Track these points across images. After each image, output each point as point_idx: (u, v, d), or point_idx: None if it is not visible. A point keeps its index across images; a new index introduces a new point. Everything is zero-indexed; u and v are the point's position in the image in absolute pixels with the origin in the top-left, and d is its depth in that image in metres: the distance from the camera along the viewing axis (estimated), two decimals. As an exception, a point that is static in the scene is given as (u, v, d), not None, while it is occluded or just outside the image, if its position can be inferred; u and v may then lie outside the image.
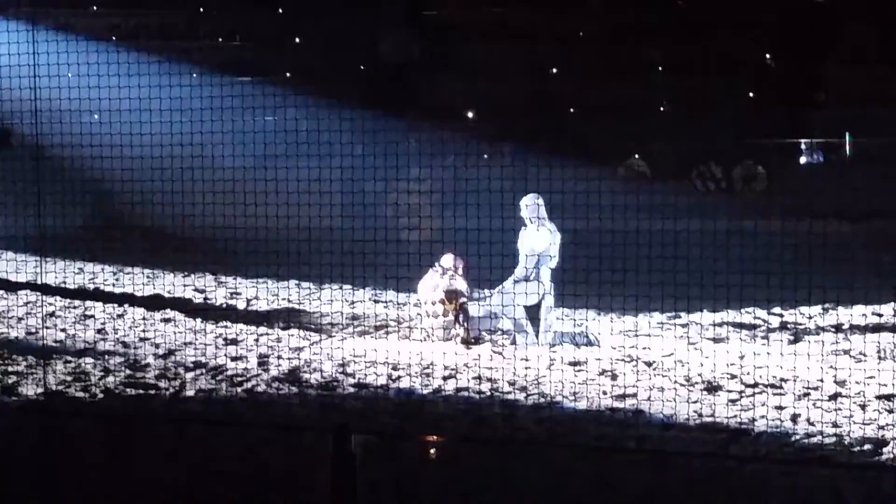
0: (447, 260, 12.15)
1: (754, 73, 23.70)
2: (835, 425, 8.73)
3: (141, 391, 10.07)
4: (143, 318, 12.98)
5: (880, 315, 12.46)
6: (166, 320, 12.97)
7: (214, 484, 7.54)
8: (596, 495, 7.19)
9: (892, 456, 8.04)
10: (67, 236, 15.04)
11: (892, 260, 11.92)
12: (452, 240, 10.73)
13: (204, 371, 10.70)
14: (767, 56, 23.87)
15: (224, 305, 14.28)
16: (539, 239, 11.80)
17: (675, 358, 10.94)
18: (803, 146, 22.50)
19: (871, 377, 10.02)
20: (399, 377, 10.46)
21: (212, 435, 8.47)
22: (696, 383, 10.10)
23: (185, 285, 14.90)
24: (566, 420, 8.99)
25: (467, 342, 11.81)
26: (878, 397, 9.41)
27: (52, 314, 13.39)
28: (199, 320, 12.90)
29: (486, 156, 11.97)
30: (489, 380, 10.34)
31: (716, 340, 11.76)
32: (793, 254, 10.46)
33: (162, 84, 11.85)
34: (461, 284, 12.15)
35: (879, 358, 10.86)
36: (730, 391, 9.79)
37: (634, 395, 9.66)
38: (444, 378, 10.44)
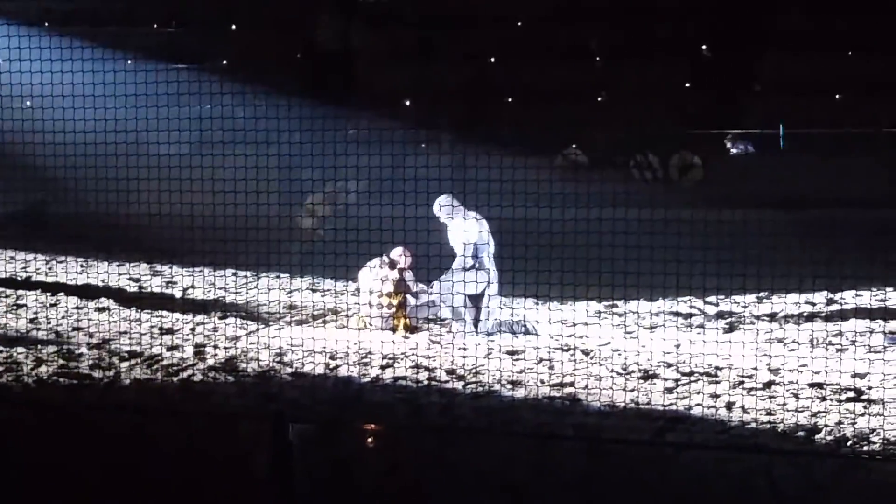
0: (397, 253, 12.13)
1: (691, 62, 23.86)
2: (769, 413, 8.82)
3: (74, 381, 9.93)
4: (77, 307, 12.81)
5: (813, 304, 12.62)
6: (100, 309, 12.81)
7: (149, 473, 7.47)
8: (533, 482, 7.21)
9: (824, 442, 8.14)
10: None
11: (826, 248, 12.06)
12: (391, 228, 10.67)
13: (139, 360, 10.58)
14: (704, 46, 24.05)
15: (160, 294, 14.14)
16: (468, 231, 11.83)
17: (611, 347, 11.00)
18: (734, 137, 22.65)
19: (804, 365, 10.16)
20: (337, 366, 10.42)
21: (147, 424, 8.37)
22: (633, 372, 10.16)
23: (119, 274, 14.72)
24: (504, 408, 9.01)
25: (412, 329, 11.82)
26: (811, 385, 9.53)
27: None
28: (133, 309, 12.76)
29: (423, 144, 11.95)
30: (427, 369, 10.34)
31: (652, 329, 11.84)
32: (728, 243, 10.58)
33: (95, 70, 11.70)
34: (409, 279, 12.11)
35: (812, 346, 11.01)
36: (666, 379, 9.86)
37: (572, 384, 9.70)
38: (382, 367, 10.41)
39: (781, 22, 22.65)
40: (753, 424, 8.55)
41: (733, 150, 22.90)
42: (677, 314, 12.50)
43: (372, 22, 23.92)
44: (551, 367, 10.30)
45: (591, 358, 10.69)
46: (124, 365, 10.41)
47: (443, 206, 11.90)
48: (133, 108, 11.68)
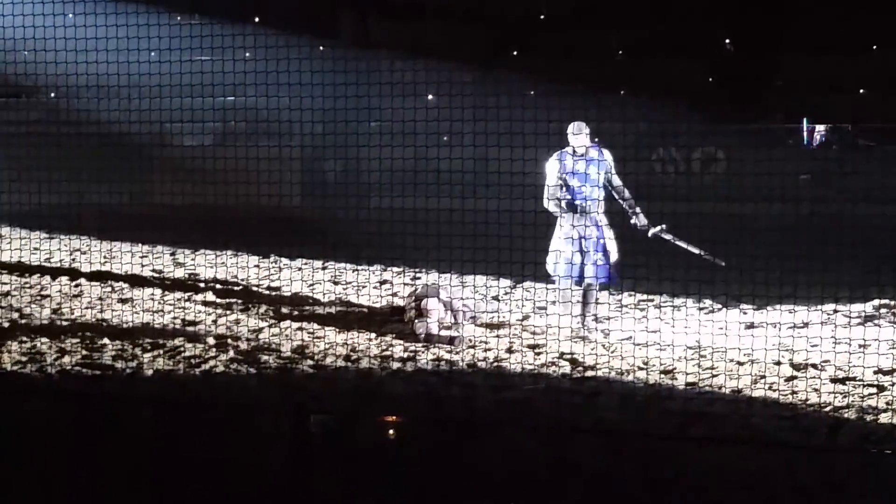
0: (428, 303, 11.35)
1: (715, 57, 23.81)
2: (791, 408, 8.79)
3: (97, 372, 9.97)
4: (101, 298, 12.86)
5: (836, 300, 12.52)
6: (123, 301, 12.86)
7: (171, 464, 7.50)
8: (554, 476, 7.21)
9: (847, 439, 8.11)
10: (22, 213, 14.89)
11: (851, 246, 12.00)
12: (412, 219, 10.63)
13: (161, 352, 10.61)
14: (728, 41, 23.98)
15: (183, 285, 14.18)
16: (604, 161, 11.45)
17: (633, 341, 10.97)
18: (817, 129, 22.30)
19: (826, 361, 10.12)
20: (358, 358, 10.43)
21: (169, 415, 8.40)
22: (654, 366, 10.15)
23: (142, 265, 14.78)
24: (524, 401, 9.00)
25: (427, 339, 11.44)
26: (834, 381, 9.49)
27: (6, 294, 13.20)
28: (156, 301, 12.81)
29: (445, 138, 11.91)
30: (448, 362, 10.34)
31: (674, 323, 11.80)
32: (751, 238, 10.54)
33: (120, 60, 11.74)
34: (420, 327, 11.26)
35: (834, 342, 10.96)
36: (688, 374, 9.83)
37: (594, 378, 9.68)
38: (403, 360, 10.42)
39: (804, 19, 22.55)
40: (775, 420, 8.52)
41: (814, 143, 22.56)
42: (700, 308, 12.45)
43: (392, 17, 23.96)
44: (573, 362, 10.30)
45: (613, 352, 10.68)
46: (146, 356, 10.45)
47: (583, 132, 11.33)
48: (157, 98, 11.69)
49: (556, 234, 11.37)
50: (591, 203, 11.22)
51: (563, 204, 11.30)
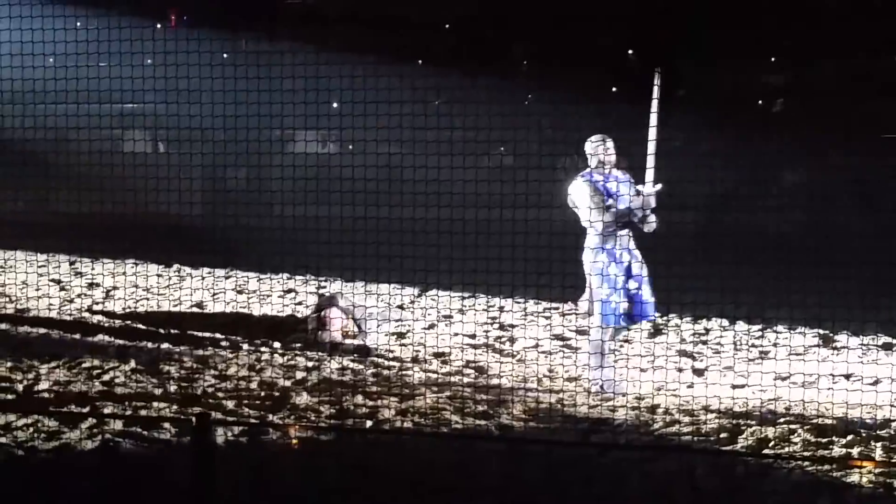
0: (330, 313, 11.42)
1: (619, 66, 24.11)
2: (692, 414, 8.89)
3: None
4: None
5: (737, 306, 12.70)
6: (21, 311, 12.60)
7: (68, 476, 7.36)
8: (457, 483, 7.20)
9: (745, 444, 8.22)
10: None
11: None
12: (314, 227, 10.56)
13: (60, 363, 10.39)
14: (630, 51, 24.30)
15: (82, 296, 13.95)
16: (630, 178, 9.88)
17: (539, 349, 11.02)
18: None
19: (728, 367, 10.27)
20: (262, 368, 10.33)
21: (68, 427, 8.23)
22: (559, 374, 10.20)
23: (39, 275, 14.50)
24: (429, 411, 8.99)
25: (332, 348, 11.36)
26: (734, 387, 9.62)
27: None
28: (55, 311, 12.57)
29: (350, 146, 11.88)
30: (353, 371, 10.30)
31: (579, 332, 11.89)
32: (653, 245, 10.65)
33: (14, 65, 11.52)
34: (324, 338, 11.30)
35: (735, 349, 11.15)
36: (592, 380, 9.89)
37: (498, 386, 9.70)
38: (308, 370, 10.35)
39: (700, 31, 22.97)
40: (677, 426, 8.61)
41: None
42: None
43: (292, 22, 23.83)
44: (479, 370, 10.31)
45: (518, 360, 10.71)
46: (44, 367, 10.22)
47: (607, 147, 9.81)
48: (52, 104, 11.49)
49: (592, 273, 9.74)
50: (629, 227, 9.77)
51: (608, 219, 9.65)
